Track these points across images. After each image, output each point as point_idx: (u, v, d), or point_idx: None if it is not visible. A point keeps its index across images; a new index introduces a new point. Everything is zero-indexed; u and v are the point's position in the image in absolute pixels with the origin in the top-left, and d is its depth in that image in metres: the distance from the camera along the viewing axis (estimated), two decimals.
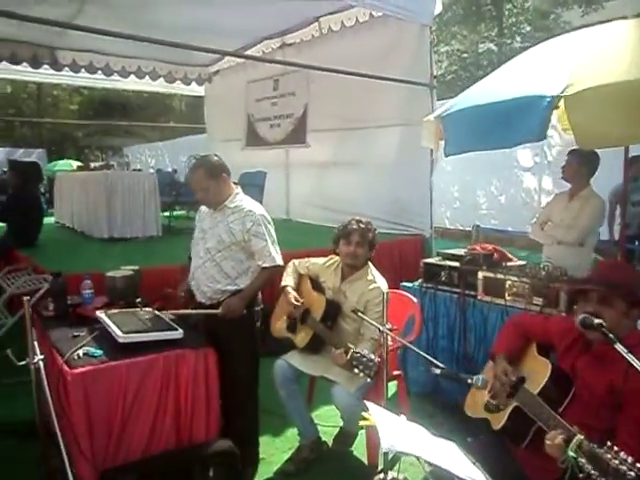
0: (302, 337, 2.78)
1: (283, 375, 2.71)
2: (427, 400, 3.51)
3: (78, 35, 7.56)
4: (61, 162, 15.43)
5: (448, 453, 1.48)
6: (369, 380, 2.36)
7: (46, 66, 8.38)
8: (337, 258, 2.91)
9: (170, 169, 15.18)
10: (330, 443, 2.94)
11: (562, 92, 2.07)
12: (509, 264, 3.23)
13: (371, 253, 2.81)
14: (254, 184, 6.80)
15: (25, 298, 2.24)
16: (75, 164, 13.84)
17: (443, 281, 3.50)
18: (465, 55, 15.23)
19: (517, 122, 2.20)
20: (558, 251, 3.35)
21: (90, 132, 23.73)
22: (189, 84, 10.00)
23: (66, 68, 8.58)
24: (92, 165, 7.56)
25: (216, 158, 2.73)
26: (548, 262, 2.96)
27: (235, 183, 2.89)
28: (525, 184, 8.77)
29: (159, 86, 10.15)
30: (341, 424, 2.93)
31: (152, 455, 2.24)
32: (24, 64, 8.12)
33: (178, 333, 2.36)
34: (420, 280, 3.71)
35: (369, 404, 1.56)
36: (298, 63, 6.89)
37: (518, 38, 15.11)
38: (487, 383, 1.91)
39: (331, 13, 7.11)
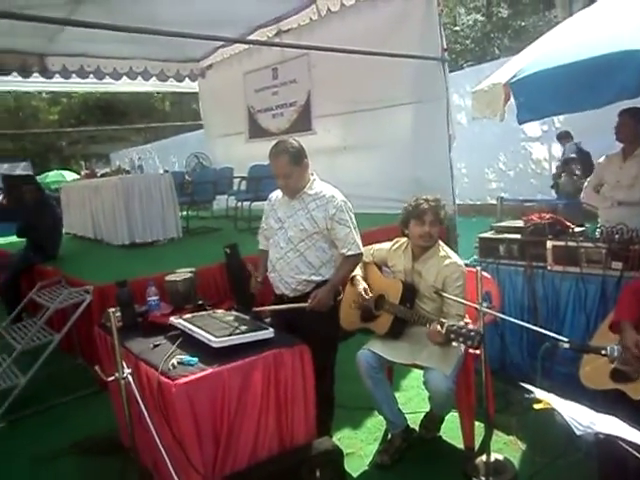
0: (382, 323, 2.68)
1: (368, 364, 2.61)
2: (496, 377, 3.44)
3: (68, 40, 7.37)
4: (52, 174, 15.07)
5: (625, 429, 1.40)
6: (472, 351, 2.30)
7: (36, 74, 8.13)
8: (404, 240, 2.81)
9: (162, 169, 14.94)
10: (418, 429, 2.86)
11: None
12: (576, 230, 3.15)
13: (440, 230, 2.72)
14: (268, 176, 6.66)
15: (110, 310, 2.12)
16: (68, 175, 13.51)
17: (502, 255, 3.43)
18: (456, 28, 15.11)
19: (607, 80, 2.11)
20: (619, 213, 3.28)
21: (73, 141, 23.31)
22: (182, 81, 9.77)
23: (57, 75, 8.33)
24: (99, 172, 7.32)
25: (296, 143, 2.60)
26: (621, 225, 2.87)
27: None
28: (534, 155, 8.73)
29: (151, 86, 9.93)
30: (426, 409, 2.86)
31: (260, 461, 2.14)
32: (14, 74, 7.85)
33: (269, 332, 2.25)
34: (474, 256, 3.64)
35: (529, 386, 1.46)
36: (301, 45, 6.74)
37: (505, 5, 15.01)
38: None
39: None
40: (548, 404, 1.33)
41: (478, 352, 2.88)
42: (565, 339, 1.86)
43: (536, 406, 1.37)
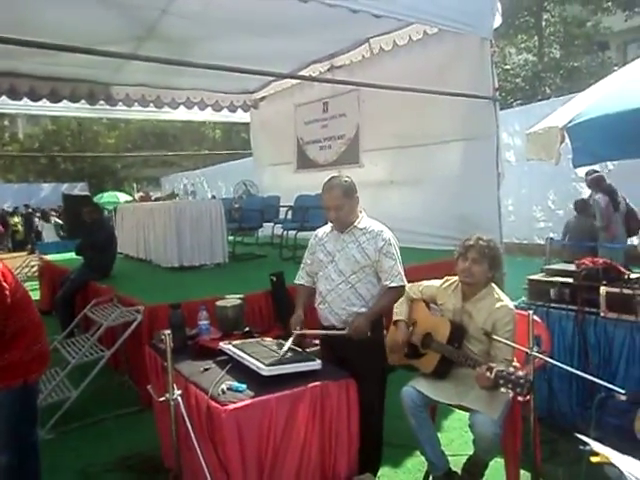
0: (428, 362, 2.66)
1: (413, 402, 2.58)
2: (543, 424, 3.33)
3: (131, 71, 7.84)
4: (106, 195, 15.81)
5: None
6: (520, 398, 2.26)
7: (101, 102, 8.65)
8: (454, 278, 2.80)
9: (210, 195, 15.40)
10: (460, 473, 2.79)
11: None
12: (631, 277, 3.07)
13: (492, 273, 2.69)
14: (315, 207, 6.75)
15: (166, 332, 2.20)
16: (121, 196, 14.09)
17: (553, 299, 3.37)
18: (507, 67, 15.17)
19: None
20: None
21: (128, 164, 24.41)
22: (235, 111, 10.16)
23: (120, 103, 8.83)
24: (153, 196, 7.65)
25: (349, 179, 2.68)
26: None
27: None
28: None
29: (206, 115, 10.35)
30: (469, 452, 2.80)
31: None
32: (82, 101, 8.38)
33: (317, 364, 2.29)
34: (523, 298, 3.58)
35: (585, 438, 1.44)
36: (352, 81, 6.92)
37: (557, 46, 15.04)
38: None
39: (382, 34, 7.14)
40: (606, 458, 1.30)
41: (527, 398, 2.83)
42: (621, 390, 1.81)
43: (593, 459, 1.34)
